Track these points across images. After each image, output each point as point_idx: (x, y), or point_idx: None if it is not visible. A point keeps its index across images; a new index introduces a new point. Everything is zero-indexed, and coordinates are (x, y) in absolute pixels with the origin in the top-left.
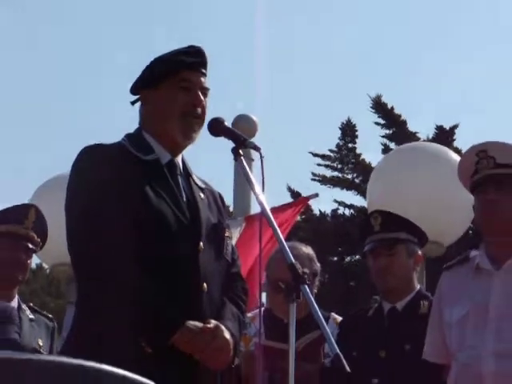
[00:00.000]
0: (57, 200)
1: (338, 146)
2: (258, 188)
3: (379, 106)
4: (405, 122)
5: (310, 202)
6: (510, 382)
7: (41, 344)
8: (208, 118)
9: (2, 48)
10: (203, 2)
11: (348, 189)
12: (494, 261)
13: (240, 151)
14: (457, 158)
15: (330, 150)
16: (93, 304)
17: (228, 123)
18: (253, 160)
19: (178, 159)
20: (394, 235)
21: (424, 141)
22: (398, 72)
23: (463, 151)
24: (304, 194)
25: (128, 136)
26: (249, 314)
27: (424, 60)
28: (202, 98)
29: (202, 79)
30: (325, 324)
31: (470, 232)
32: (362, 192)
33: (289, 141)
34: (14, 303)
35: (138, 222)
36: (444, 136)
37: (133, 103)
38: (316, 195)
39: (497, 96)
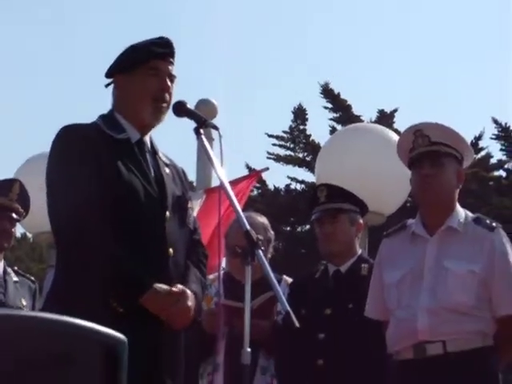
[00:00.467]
0: (39, 175)
1: (290, 127)
2: (217, 163)
3: (327, 92)
4: (350, 107)
5: (266, 178)
6: (440, 336)
7: (24, 303)
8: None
9: None
10: None
11: (299, 166)
12: (428, 228)
13: (201, 130)
14: (396, 137)
15: (284, 132)
16: (69, 267)
17: (191, 106)
18: (213, 139)
19: (147, 138)
20: (337, 205)
21: (367, 123)
22: (344, 61)
23: (402, 131)
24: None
25: (102, 116)
26: (210, 277)
27: (365, 50)
28: (169, 84)
29: (170, 67)
30: (277, 285)
31: (408, 203)
32: (311, 169)
33: (246, 123)
34: (0, 267)
35: (110, 193)
36: (385, 119)
37: (106, 86)
38: (267, 169)
39: (431, 85)
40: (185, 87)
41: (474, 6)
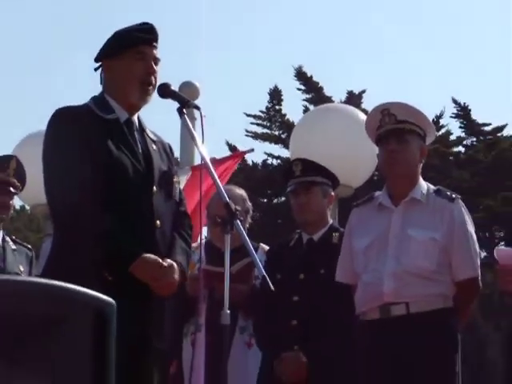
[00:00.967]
0: (36, 152)
1: (267, 108)
2: (199, 141)
3: (301, 75)
4: (321, 88)
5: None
6: (403, 298)
7: (21, 269)
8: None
9: None
10: None
11: (275, 143)
12: (394, 199)
13: (184, 110)
14: (363, 117)
15: (261, 111)
16: (64, 242)
17: (174, 88)
18: (195, 119)
19: (135, 118)
20: (311, 178)
21: (337, 103)
22: (316, 46)
23: (369, 111)
24: (239, 148)
25: (93, 98)
26: (193, 244)
27: (337, 36)
28: (154, 67)
29: (155, 51)
30: (254, 252)
31: (374, 177)
32: (286, 145)
33: (227, 104)
34: None
35: (100, 170)
36: (353, 99)
37: (96, 69)
38: (252, 150)
39: (396, 68)
40: (169, 70)
41: None
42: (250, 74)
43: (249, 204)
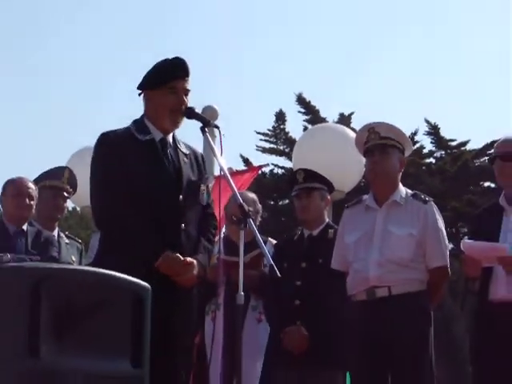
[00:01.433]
0: (85, 163)
1: (273, 127)
2: (218, 154)
3: (301, 100)
4: (318, 111)
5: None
6: (386, 282)
7: (74, 259)
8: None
9: None
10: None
11: (280, 156)
12: (378, 202)
13: (206, 129)
14: (352, 134)
15: (268, 130)
16: (107, 241)
17: (198, 110)
18: (215, 136)
19: (169, 137)
20: (311, 185)
21: (331, 123)
22: (313, 77)
23: (357, 129)
24: (251, 160)
25: (134, 122)
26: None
27: (330, 69)
28: (184, 98)
29: (186, 84)
30: (263, 244)
31: (362, 183)
32: (289, 158)
33: (240, 124)
34: (55, 233)
35: (134, 186)
36: (344, 120)
37: (139, 95)
38: (267, 165)
39: (379, 94)
40: (193, 94)
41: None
42: (260, 99)
43: (259, 205)
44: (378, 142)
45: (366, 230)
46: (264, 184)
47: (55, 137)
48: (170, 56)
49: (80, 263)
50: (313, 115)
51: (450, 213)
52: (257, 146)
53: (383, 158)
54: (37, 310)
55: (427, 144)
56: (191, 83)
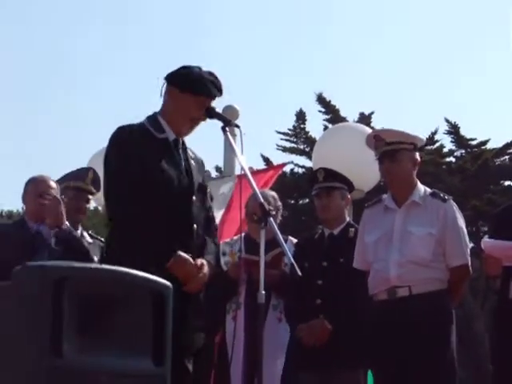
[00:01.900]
0: None
1: (293, 126)
2: (239, 153)
3: (321, 100)
4: (338, 110)
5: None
6: (406, 282)
7: (96, 259)
8: None
9: None
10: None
11: (301, 155)
12: (397, 202)
13: (227, 128)
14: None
15: (289, 129)
16: (121, 241)
17: (219, 110)
18: (236, 135)
19: (180, 138)
20: (331, 184)
21: (351, 122)
22: (334, 76)
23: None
24: (272, 159)
25: (148, 118)
26: (234, 237)
27: (350, 67)
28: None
29: (211, 103)
30: (284, 243)
31: (381, 182)
32: (309, 157)
33: (261, 123)
34: (78, 232)
35: (151, 182)
36: (364, 119)
37: (162, 86)
38: (290, 163)
39: (399, 93)
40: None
41: (427, 20)
42: (280, 99)
43: (279, 203)
44: (386, 149)
45: (386, 231)
46: (284, 183)
47: (77, 136)
48: (206, 64)
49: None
50: (333, 114)
51: (470, 212)
52: (277, 146)
53: (393, 165)
54: (59, 308)
55: (447, 143)
56: None
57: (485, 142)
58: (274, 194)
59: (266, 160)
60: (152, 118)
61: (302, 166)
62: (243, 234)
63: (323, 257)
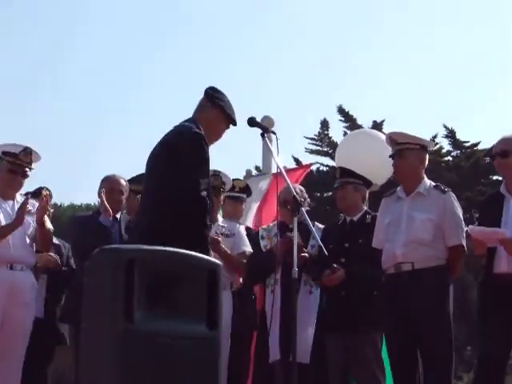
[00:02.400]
0: None
1: (319, 133)
2: (275, 155)
3: (341, 111)
4: (355, 119)
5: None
6: (410, 259)
7: None
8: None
9: None
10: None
11: (325, 156)
12: (406, 193)
13: (265, 135)
14: (383, 137)
15: (315, 135)
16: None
17: (258, 119)
18: (272, 140)
19: None
20: (345, 179)
21: (366, 129)
22: (351, 91)
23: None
24: (301, 160)
25: (197, 127)
26: (271, 224)
27: (364, 84)
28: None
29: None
30: (313, 228)
31: (392, 178)
32: (332, 158)
33: (293, 130)
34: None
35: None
36: (377, 126)
37: (204, 97)
38: (316, 162)
39: (406, 104)
40: (254, 106)
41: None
42: (308, 110)
43: (305, 195)
44: (397, 148)
45: (396, 216)
46: (312, 179)
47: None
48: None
49: None
50: (351, 123)
51: (465, 202)
52: (305, 149)
53: (401, 162)
54: (131, 283)
55: (445, 145)
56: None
57: (477, 144)
58: (301, 187)
59: (296, 160)
60: (198, 127)
61: (326, 165)
62: (277, 221)
63: (345, 239)
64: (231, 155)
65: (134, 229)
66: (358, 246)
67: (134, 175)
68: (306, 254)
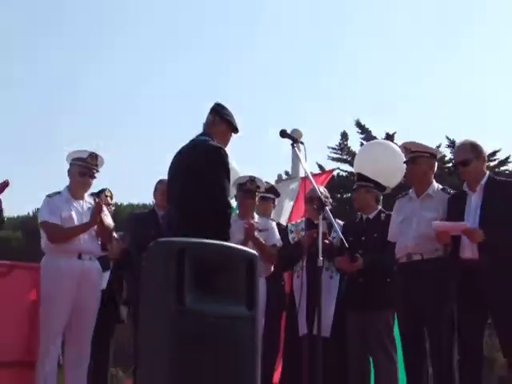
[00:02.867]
0: None
1: (339, 143)
2: (303, 161)
3: (358, 125)
4: (370, 132)
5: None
6: (419, 250)
7: None
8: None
9: None
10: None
11: (344, 163)
12: (417, 194)
13: (294, 145)
14: (396, 147)
15: (336, 145)
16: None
17: (288, 131)
18: (300, 150)
19: None
20: (359, 183)
21: (380, 139)
22: (366, 106)
23: (399, 144)
24: (324, 167)
25: (212, 140)
26: (298, 220)
27: (378, 99)
28: None
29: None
30: (335, 222)
31: (403, 181)
32: (351, 165)
33: (317, 140)
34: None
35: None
36: (389, 137)
37: (211, 110)
38: (337, 168)
39: (414, 118)
40: (286, 118)
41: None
42: (330, 123)
43: (328, 194)
44: (410, 156)
45: (408, 214)
46: (333, 183)
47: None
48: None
49: None
50: (367, 134)
51: None
52: (328, 156)
53: (413, 167)
54: (182, 270)
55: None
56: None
57: None
58: (324, 189)
59: (320, 167)
60: (213, 140)
61: (346, 171)
62: (304, 218)
63: (362, 233)
64: (263, 162)
65: (166, 229)
66: (373, 240)
67: None
68: (327, 241)
